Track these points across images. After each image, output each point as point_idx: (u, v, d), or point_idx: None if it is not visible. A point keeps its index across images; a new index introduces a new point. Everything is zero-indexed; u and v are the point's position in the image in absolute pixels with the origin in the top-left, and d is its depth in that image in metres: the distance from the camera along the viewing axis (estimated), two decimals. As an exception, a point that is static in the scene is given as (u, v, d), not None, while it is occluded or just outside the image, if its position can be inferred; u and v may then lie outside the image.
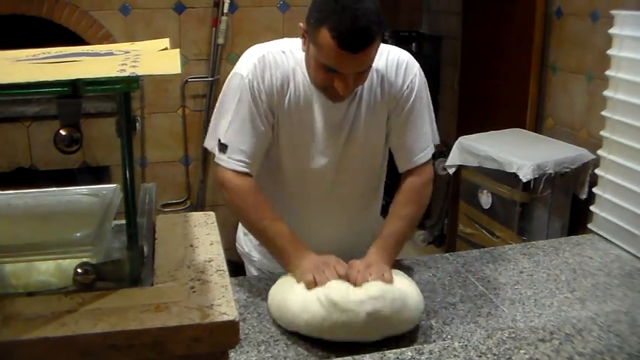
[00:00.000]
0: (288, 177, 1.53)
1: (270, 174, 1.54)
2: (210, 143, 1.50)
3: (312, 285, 1.29)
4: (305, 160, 1.49)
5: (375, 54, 1.31)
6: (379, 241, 1.46)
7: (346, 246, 1.55)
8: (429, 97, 1.56)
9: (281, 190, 1.56)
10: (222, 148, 1.42)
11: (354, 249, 1.51)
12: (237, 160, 1.41)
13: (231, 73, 1.45)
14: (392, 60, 1.48)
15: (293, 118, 1.44)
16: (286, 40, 1.48)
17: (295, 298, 1.30)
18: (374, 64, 1.39)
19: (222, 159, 1.43)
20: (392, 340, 1.29)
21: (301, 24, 1.35)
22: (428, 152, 1.54)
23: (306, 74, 1.42)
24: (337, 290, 1.26)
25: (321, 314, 1.24)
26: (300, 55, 1.42)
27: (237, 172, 1.42)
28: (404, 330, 1.31)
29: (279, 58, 1.41)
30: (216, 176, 1.48)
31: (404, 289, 1.31)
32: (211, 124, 1.50)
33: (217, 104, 1.49)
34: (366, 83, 1.43)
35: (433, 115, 1.58)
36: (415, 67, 1.51)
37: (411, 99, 1.48)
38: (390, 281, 1.30)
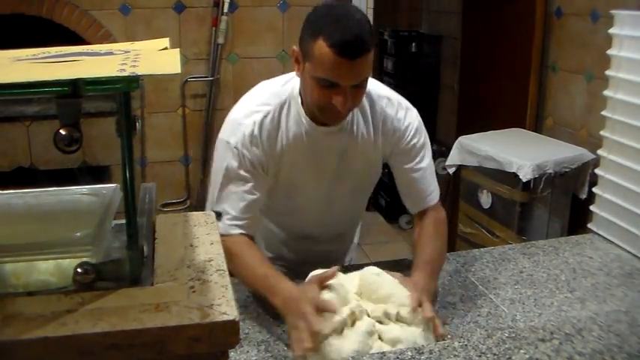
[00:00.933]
0: (281, 208, 1.58)
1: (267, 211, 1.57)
2: (211, 209, 1.48)
3: (299, 352, 1.22)
4: (300, 190, 1.52)
5: (370, 66, 1.31)
6: (421, 269, 1.43)
7: (326, 252, 1.63)
8: (428, 144, 1.56)
9: (273, 218, 1.62)
10: (218, 215, 1.41)
11: (332, 255, 1.62)
12: (231, 225, 1.42)
13: (219, 138, 1.46)
14: (386, 110, 1.48)
15: (289, 164, 1.46)
16: (272, 87, 1.47)
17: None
18: (368, 108, 1.45)
19: (219, 227, 1.43)
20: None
21: (295, 47, 1.35)
22: (437, 193, 1.57)
23: (300, 116, 1.42)
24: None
25: None
26: (292, 100, 1.43)
27: (233, 236, 1.42)
28: None
29: (268, 119, 1.42)
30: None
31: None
32: (209, 193, 1.50)
33: (212, 172, 1.50)
34: (360, 120, 1.45)
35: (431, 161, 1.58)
36: (414, 113, 1.52)
37: (414, 151, 1.51)
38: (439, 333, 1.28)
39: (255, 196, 1.43)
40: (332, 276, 1.30)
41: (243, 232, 1.43)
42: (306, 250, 1.63)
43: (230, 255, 1.40)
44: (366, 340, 1.21)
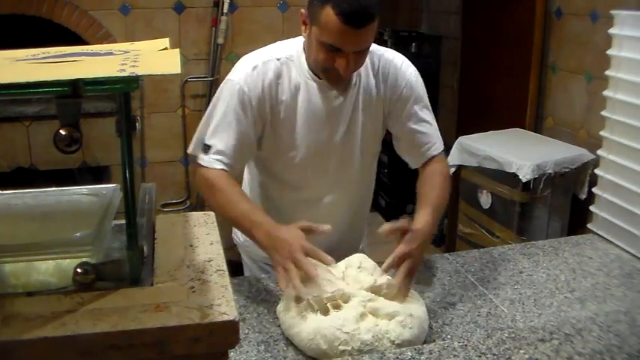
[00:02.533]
0: (285, 175, 1.58)
1: (269, 175, 1.60)
2: (194, 148, 1.51)
3: (283, 284, 1.29)
4: (304, 154, 1.53)
5: (374, 32, 1.36)
6: (426, 209, 1.46)
7: (337, 243, 1.59)
8: (426, 97, 1.61)
9: (279, 190, 1.61)
10: (206, 149, 1.46)
11: (343, 245, 1.59)
12: (216, 159, 1.45)
13: (225, 79, 1.50)
14: (387, 59, 1.55)
15: (288, 114, 1.49)
16: (281, 43, 1.54)
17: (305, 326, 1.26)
18: (369, 63, 1.49)
19: (202, 159, 1.47)
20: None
21: (303, 10, 1.41)
22: (440, 145, 1.60)
23: (304, 72, 1.48)
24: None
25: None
26: (298, 57, 1.48)
27: (216, 170, 1.45)
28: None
29: (273, 65, 1.47)
30: (194, 177, 1.52)
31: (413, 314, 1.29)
32: (198, 129, 1.52)
33: (209, 107, 1.52)
34: (363, 77, 1.51)
35: (432, 116, 1.62)
36: (410, 67, 1.58)
37: (412, 97, 1.55)
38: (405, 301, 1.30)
39: (246, 139, 1.47)
40: (317, 230, 1.35)
41: (226, 168, 1.45)
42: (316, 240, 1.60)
43: (210, 187, 1.45)
44: (355, 324, 1.23)
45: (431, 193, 1.52)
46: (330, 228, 1.36)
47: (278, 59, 1.48)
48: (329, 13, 1.29)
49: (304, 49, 1.48)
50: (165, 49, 0.86)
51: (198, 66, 3.11)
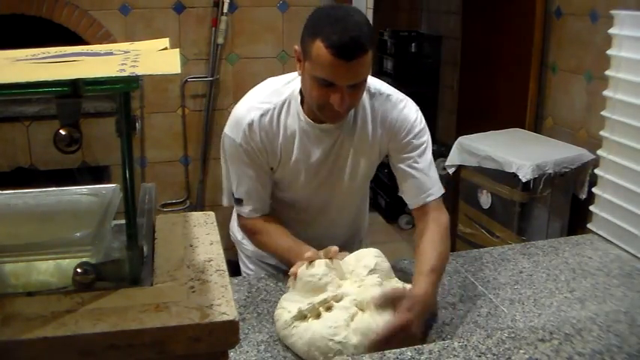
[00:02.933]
0: (281, 205, 1.61)
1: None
2: (228, 201, 1.62)
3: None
4: (298, 186, 1.56)
5: (368, 67, 1.33)
6: (427, 275, 1.38)
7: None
8: (429, 142, 1.56)
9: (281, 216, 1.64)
10: (239, 201, 1.57)
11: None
12: (251, 210, 1.56)
13: (224, 132, 1.52)
14: (388, 109, 1.50)
15: (286, 157, 1.51)
16: (277, 83, 1.52)
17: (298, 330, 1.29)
18: (369, 107, 1.48)
19: (241, 210, 1.58)
20: (391, 340, 1.28)
21: (296, 47, 1.39)
22: (438, 190, 1.53)
23: (299, 113, 1.47)
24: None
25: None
26: (292, 100, 1.48)
27: (254, 219, 1.57)
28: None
29: (268, 118, 1.47)
30: (240, 224, 1.64)
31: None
32: (224, 184, 1.61)
33: (222, 163, 1.58)
34: (360, 121, 1.49)
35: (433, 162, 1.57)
36: (411, 116, 1.51)
37: (411, 147, 1.51)
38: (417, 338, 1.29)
39: (265, 179, 1.55)
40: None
41: (261, 214, 1.57)
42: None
43: (255, 232, 1.57)
44: (345, 330, 1.24)
45: (431, 253, 1.42)
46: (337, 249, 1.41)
47: (273, 108, 1.47)
48: (319, 47, 1.27)
49: (300, 91, 1.46)
50: (165, 49, 0.86)
51: (198, 66, 3.11)
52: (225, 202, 1.63)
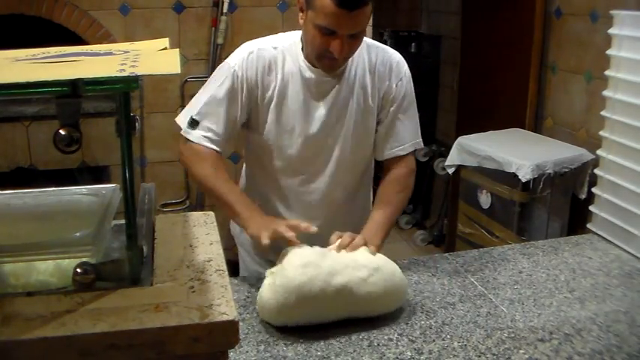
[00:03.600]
0: (280, 164, 1.60)
1: (262, 165, 1.63)
2: (182, 118, 1.58)
3: (264, 244, 1.37)
4: (298, 142, 1.56)
5: (368, 17, 1.41)
6: (368, 228, 1.54)
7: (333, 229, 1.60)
8: (415, 99, 1.65)
9: (273, 181, 1.63)
10: (193, 123, 1.52)
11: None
12: (204, 137, 1.51)
13: (222, 63, 1.56)
14: (385, 57, 1.59)
15: (280, 104, 1.53)
16: (282, 34, 1.59)
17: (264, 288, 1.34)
18: (366, 56, 1.55)
19: (190, 132, 1.54)
20: (391, 339, 1.29)
21: None
22: (411, 146, 1.64)
23: (299, 60, 1.51)
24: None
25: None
26: (294, 47, 1.53)
27: (203, 146, 1.52)
28: (390, 307, 1.35)
29: (269, 53, 1.53)
30: (180, 149, 1.58)
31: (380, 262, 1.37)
32: (190, 103, 1.59)
33: (203, 87, 1.58)
34: (360, 70, 1.55)
35: (418, 118, 1.66)
36: (404, 66, 1.62)
37: (401, 96, 1.59)
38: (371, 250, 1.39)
39: (232, 123, 1.53)
40: (302, 228, 1.40)
41: (214, 147, 1.52)
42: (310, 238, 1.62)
43: (200, 159, 1.51)
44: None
45: (384, 209, 1.58)
46: (316, 229, 1.41)
47: (275, 47, 1.53)
48: None
49: (301, 39, 1.52)
50: (165, 49, 0.86)
51: (198, 66, 3.11)
52: (178, 118, 1.59)
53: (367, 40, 1.56)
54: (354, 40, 1.43)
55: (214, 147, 1.52)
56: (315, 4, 1.38)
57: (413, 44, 4.21)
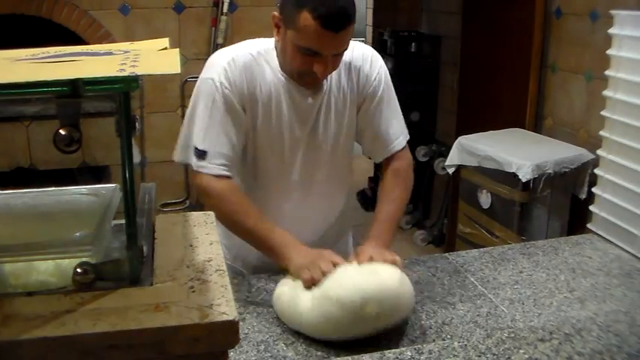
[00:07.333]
0: (263, 172, 1.55)
1: (245, 170, 1.56)
2: (182, 155, 1.49)
3: (309, 282, 1.29)
4: (278, 153, 1.52)
5: (352, 34, 1.37)
6: (376, 227, 1.53)
7: (321, 239, 1.62)
8: (393, 90, 1.62)
9: (257, 186, 1.58)
10: (201, 154, 1.42)
11: (327, 240, 1.61)
12: (219, 165, 1.42)
13: (199, 80, 1.46)
14: (358, 53, 1.54)
15: (265, 115, 1.47)
16: (250, 41, 1.51)
17: (304, 298, 1.29)
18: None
19: (202, 166, 1.43)
20: (391, 339, 1.29)
21: (275, 13, 1.40)
22: (403, 138, 1.63)
23: (276, 70, 1.46)
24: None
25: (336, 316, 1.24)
26: (269, 54, 1.47)
27: (219, 177, 1.43)
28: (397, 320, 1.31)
29: (248, 60, 1.44)
30: (196, 184, 1.47)
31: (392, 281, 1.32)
32: (182, 135, 1.50)
33: (188, 112, 1.49)
34: (334, 74, 1.50)
35: (400, 109, 1.64)
36: (380, 59, 1.58)
37: (380, 89, 1.56)
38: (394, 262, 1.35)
39: (239, 135, 1.45)
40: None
41: (229, 174, 1.44)
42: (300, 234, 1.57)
43: (221, 196, 1.42)
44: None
45: (389, 206, 1.57)
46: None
47: (251, 54, 1.45)
48: (306, 17, 1.29)
49: (275, 47, 1.45)
50: (165, 48, 0.86)
51: (198, 66, 3.08)
52: (176, 156, 1.49)
53: None
54: (337, 57, 1.39)
55: (228, 174, 1.44)
56: (296, 25, 1.31)
57: (413, 44, 4.21)
